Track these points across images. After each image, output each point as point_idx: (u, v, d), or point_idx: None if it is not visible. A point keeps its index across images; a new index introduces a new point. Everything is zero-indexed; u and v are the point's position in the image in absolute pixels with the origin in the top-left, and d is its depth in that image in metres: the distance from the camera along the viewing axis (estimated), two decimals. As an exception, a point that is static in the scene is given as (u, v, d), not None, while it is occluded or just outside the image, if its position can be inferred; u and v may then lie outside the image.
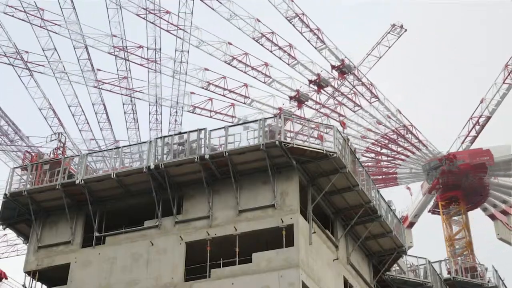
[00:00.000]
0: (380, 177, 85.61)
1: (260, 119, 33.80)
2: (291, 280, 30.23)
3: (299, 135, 35.06)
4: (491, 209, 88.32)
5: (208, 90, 72.95)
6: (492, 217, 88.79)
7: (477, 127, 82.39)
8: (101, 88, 70.52)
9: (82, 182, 34.65)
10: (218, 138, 34.01)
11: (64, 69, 68.36)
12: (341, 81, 76.61)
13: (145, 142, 35.91)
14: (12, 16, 65.93)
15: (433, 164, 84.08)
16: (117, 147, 37.83)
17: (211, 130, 34.34)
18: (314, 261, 32.34)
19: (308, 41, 74.75)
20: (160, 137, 35.23)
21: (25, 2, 66.34)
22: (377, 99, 78.49)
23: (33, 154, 51.78)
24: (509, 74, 79.93)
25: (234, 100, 73.41)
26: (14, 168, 38.51)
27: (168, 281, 32.44)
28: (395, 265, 42.92)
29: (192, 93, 73.31)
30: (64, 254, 35.20)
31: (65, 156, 42.56)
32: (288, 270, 30.56)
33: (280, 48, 73.84)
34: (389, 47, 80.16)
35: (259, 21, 72.82)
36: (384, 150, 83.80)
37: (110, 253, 34.24)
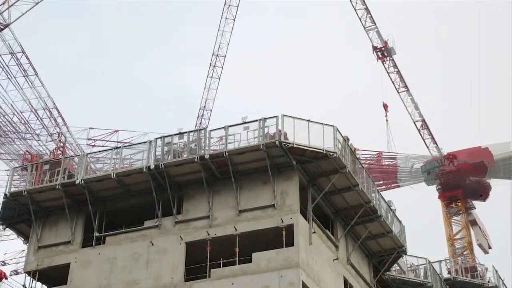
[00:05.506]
0: (381, 181, 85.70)
1: (260, 119, 33.77)
2: (291, 280, 30.22)
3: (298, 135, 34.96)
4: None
5: None
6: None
7: (425, 129, 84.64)
8: (94, 145, 71.06)
9: (82, 182, 34.63)
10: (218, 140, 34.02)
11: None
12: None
13: (145, 142, 35.88)
14: None
15: (431, 165, 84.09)
16: (117, 147, 37.70)
17: (211, 130, 34.38)
18: (314, 261, 32.32)
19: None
20: (160, 137, 35.18)
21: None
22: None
23: (33, 154, 51.79)
24: (388, 68, 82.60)
25: None
26: (14, 168, 38.53)
27: (168, 281, 32.43)
28: (395, 265, 42.89)
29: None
30: (64, 254, 35.19)
31: (65, 156, 42.55)
32: (288, 270, 30.54)
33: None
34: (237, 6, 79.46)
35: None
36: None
37: (110, 253, 34.23)
